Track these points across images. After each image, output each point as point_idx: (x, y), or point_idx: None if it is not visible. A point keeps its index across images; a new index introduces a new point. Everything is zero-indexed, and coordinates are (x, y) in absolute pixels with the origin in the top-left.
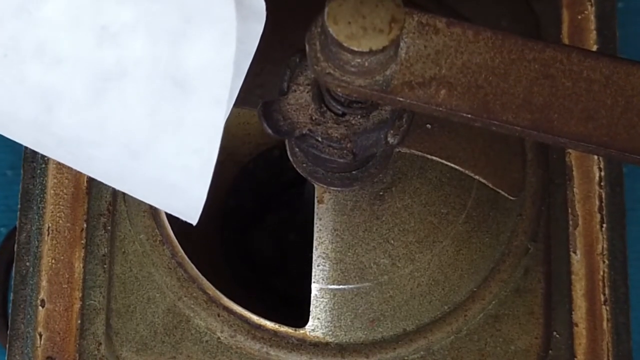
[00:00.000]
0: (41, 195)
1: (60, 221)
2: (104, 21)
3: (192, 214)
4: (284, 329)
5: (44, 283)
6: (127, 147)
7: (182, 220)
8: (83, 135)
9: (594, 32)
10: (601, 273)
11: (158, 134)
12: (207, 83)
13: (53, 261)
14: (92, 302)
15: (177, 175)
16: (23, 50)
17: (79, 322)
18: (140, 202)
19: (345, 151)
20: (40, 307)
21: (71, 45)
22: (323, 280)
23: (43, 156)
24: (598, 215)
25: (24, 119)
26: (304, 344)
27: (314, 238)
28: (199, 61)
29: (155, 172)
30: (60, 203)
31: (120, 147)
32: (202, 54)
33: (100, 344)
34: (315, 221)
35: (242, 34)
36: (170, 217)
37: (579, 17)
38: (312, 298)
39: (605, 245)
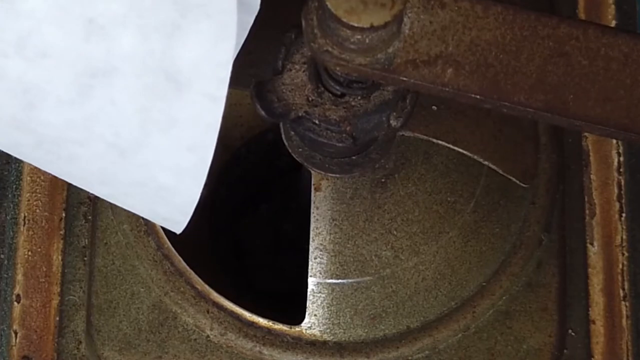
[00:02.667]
0: (17, 182)
1: (37, 210)
2: (91, 14)
3: (179, 220)
4: (278, 326)
5: (19, 277)
6: (115, 145)
7: None
8: (66, 134)
9: (613, 6)
10: (620, 266)
11: (149, 132)
12: (203, 78)
13: (29, 253)
14: (72, 297)
15: (167, 175)
16: (4, 44)
17: (58, 318)
18: None
19: (344, 135)
20: (15, 303)
21: (56, 39)
22: (320, 274)
23: None
24: (617, 204)
25: (1, 116)
26: (299, 343)
27: (311, 228)
28: (194, 56)
29: (144, 173)
30: (37, 191)
31: (107, 146)
32: (198, 48)
33: (81, 342)
34: (312, 210)
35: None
36: None
37: None
38: (308, 293)
39: (624, 237)
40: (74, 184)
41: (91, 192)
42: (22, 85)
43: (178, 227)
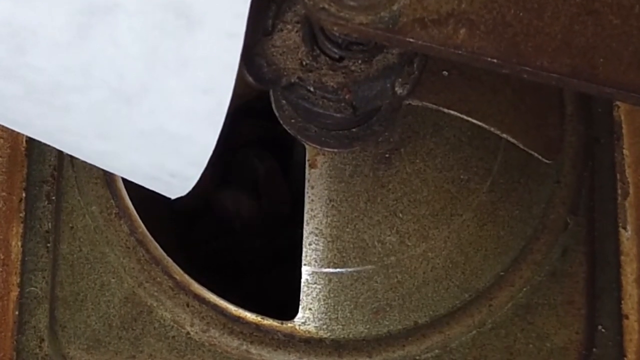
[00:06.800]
0: None
1: None
2: None
3: (190, 174)
4: (267, 322)
5: None
6: (118, 91)
7: (142, 190)
8: (62, 80)
9: None
10: None
11: (157, 75)
12: (217, 14)
13: None
14: (33, 289)
15: (179, 123)
16: None
17: (17, 313)
18: (92, 167)
19: (343, 104)
20: None
21: None
22: (316, 262)
23: None
24: None
25: None
26: (292, 340)
27: (305, 210)
28: None
29: (152, 121)
30: None
31: (110, 93)
32: None
33: (43, 340)
34: (306, 190)
35: None
36: (128, 185)
37: None
38: (302, 284)
39: None
40: (65, 144)
41: (84, 151)
42: (9, 28)
43: (187, 184)
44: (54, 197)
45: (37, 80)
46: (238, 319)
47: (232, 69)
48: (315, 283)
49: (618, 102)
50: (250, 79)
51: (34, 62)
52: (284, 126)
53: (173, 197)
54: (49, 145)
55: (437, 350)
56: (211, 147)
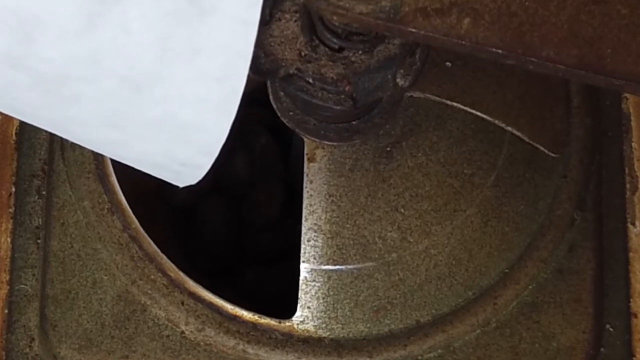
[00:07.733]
0: None
1: None
2: None
3: (201, 163)
4: (265, 320)
5: None
6: (129, 80)
7: (136, 184)
8: (71, 70)
9: None
10: None
11: (169, 63)
12: (231, 1)
13: None
14: (23, 286)
15: (191, 111)
16: None
17: (6, 311)
18: (84, 161)
19: (342, 96)
20: None
21: None
22: (315, 259)
23: None
24: None
25: None
26: (290, 340)
27: (304, 206)
28: None
29: (163, 109)
30: None
31: (120, 82)
32: None
33: (33, 339)
34: (304, 184)
35: None
36: (121, 180)
37: None
38: (300, 282)
39: None
40: (71, 132)
41: (92, 140)
42: (18, 17)
43: (198, 173)
44: (44, 192)
45: (45, 70)
46: (234, 318)
47: (246, 57)
48: (314, 281)
49: (627, 94)
50: None
51: (42, 51)
52: (282, 119)
53: (182, 185)
54: (39, 139)
55: (440, 350)
56: (224, 136)
